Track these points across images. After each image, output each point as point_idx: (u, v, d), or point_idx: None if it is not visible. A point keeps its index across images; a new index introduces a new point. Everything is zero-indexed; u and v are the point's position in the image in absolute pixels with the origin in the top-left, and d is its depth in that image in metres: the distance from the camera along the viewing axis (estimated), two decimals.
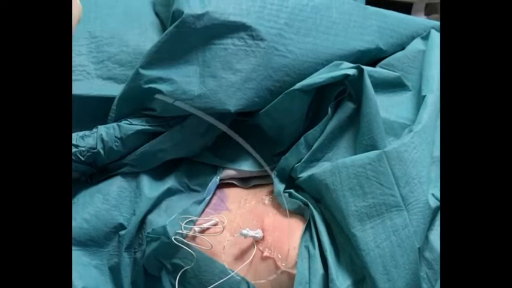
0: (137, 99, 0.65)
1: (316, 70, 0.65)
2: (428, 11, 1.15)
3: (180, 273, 0.60)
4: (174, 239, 0.59)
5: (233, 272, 0.58)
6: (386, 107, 0.63)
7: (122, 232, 0.63)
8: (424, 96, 0.61)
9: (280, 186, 0.63)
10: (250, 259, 0.59)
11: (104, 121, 0.66)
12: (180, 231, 0.60)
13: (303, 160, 0.62)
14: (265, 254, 0.59)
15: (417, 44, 0.70)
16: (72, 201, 0.65)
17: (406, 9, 1.11)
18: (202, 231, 0.62)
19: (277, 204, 0.63)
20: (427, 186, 0.54)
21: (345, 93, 0.62)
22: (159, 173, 0.67)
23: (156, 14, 0.72)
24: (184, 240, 0.60)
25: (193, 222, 0.62)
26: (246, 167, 0.67)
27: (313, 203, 0.60)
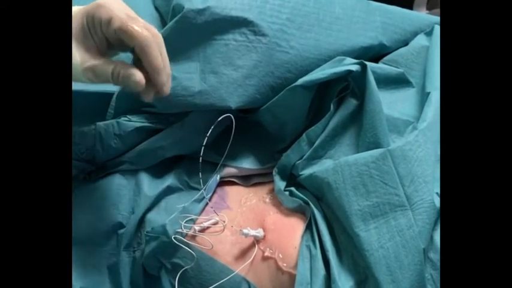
0: (136, 96, 0.64)
1: (318, 66, 0.64)
2: (430, 6, 1.14)
3: (179, 273, 0.59)
4: (174, 238, 0.58)
5: (234, 271, 0.58)
6: (389, 104, 0.62)
7: (121, 231, 0.62)
8: (429, 93, 0.60)
9: (281, 184, 0.62)
10: (251, 259, 0.58)
11: (103, 117, 0.65)
12: (180, 230, 0.59)
13: (304, 157, 0.61)
14: (266, 254, 0.58)
15: (421, 40, 0.70)
16: None
17: (408, 3, 1.10)
18: (203, 230, 0.61)
19: (278, 203, 0.63)
20: (432, 186, 0.53)
21: (348, 89, 0.61)
22: (158, 170, 0.66)
23: (156, 8, 0.71)
24: (184, 240, 0.59)
25: (193, 221, 0.61)
26: (247, 164, 0.66)
27: (315, 202, 0.59)
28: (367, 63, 0.59)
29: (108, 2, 0.48)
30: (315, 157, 0.61)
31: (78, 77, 0.50)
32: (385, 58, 0.69)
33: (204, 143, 0.57)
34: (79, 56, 0.49)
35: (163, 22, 0.70)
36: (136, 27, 0.48)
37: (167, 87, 0.52)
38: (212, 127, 0.57)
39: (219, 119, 0.58)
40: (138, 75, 0.49)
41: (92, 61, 0.49)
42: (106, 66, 0.49)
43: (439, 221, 0.54)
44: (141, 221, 0.63)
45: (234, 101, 0.62)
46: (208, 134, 0.57)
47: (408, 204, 0.52)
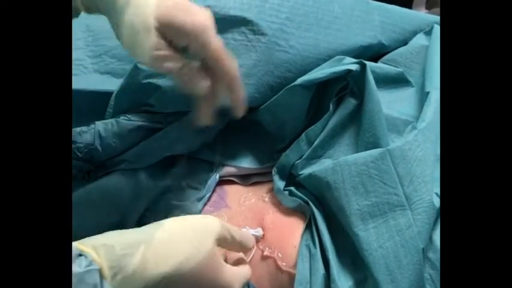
0: (136, 95, 0.64)
1: (317, 65, 0.64)
2: (430, 5, 1.14)
3: None
4: None
5: None
6: (389, 103, 0.62)
7: None
8: (428, 92, 0.60)
9: (280, 184, 0.62)
10: (250, 258, 0.58)
11: (102, 116, 0.65)
12: None
13: (303, 157, 0.61)
14: (265, 253, 0.58)
15: (420, 39, 0.70)
16: None
17: (407, 2, 1.10)
18: None
19: (277, 202, 0.62)
20: (431, 185, 0.53)
21: (347, 89, 0.61)
22: (157, 169, 0.66)
23: None
24: None
25: None
26: (246, 164, 0.66)
27: (314, 201, 0.59)
28: (366, 62, 0.59)
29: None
30: (314, 157, 0.61)
31: (141, 56, 0.49)
32: (384, 57, 0.69)
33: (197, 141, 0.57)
34: (154, 40, 0.48)
35: None
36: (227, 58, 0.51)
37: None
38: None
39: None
40: (207, 81, 0.51)
41: (166, 51, 0.48)
42: (178, 60, 0.49)
43: (438, 221, 0.54)
44: (141, 220, 0.62)
45: None
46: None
47: (407, 204, 0.52)
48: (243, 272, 0.52)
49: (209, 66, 0.52)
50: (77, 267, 0.39)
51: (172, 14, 0.48)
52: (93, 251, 0.42)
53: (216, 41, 0.50)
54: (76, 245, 0.42)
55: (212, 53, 0.50)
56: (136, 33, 0.48)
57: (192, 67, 0.50)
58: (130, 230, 0.48)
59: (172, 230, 0.47)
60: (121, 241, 0.44)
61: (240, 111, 0.55)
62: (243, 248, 0.54)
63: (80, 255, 0.40)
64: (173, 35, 0.49)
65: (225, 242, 0.51)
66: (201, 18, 0.49)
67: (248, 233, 0.57)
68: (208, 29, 0.49)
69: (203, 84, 0.51)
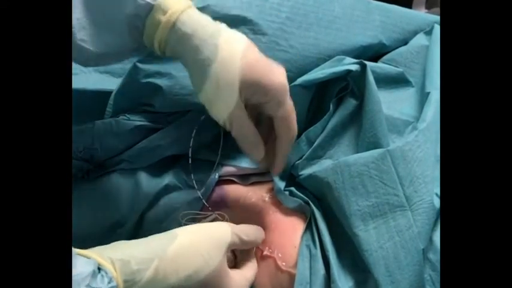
0: (135, 94, 0.64)
1: (318, 65, 0.64)
2: (429, 5, 1.14)
3: None
4: None
5: None
6: (389, 104, 0.62)
7: (120, 230, 0.62)
8: (428, 93, 0.60)
9: (280, 184, 0.62)
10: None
11: (101, 116, 0.65)
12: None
13: (304, 157, 0.61)
14: (265, 253, 0.58)
15: (420, 39, 0.70)
16: None
17: (407, 2, 1.10)
18: None
19: (277, 202, 0.62)
20: (431, 186, 0.53)
21: (347, 89, 0.61)
22: (157, 169, 0.65)
23: None
24: None
25: (192, 219, 0.61)
26: (246, 163, 0.66)
27: (315, 202, 0.59)
28: (366, 62, 0.59)
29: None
30: (315, 157, 0.61)
31: (219, 112, 0.51)
32: (385, 57, 0.69)
33: (190, 144, 0.60)
34: (235, 99, 0.49)
35: None
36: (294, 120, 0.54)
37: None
38: (196, 127, 0.60)
39: (202, 118, 0.60)
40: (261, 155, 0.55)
41: (243, 112, 0.51)
42: (251, 127, 0.52)
43: (438, 221, 0.54)
44: (140, 219, 0.62)
45: None
46: (193, 135, 0.60)
47: (407, 205, 0.52)
48: (246, 276, 0.55)
49: (274, 124, 0.53)
50: (100, 283, 0.41)
51: (258, 74, 0.49)
52: (111, 265, 0.44)
53: (289, 101, 0.53)
54: (95, 257, 0.44)
55: (284, 113, 0.52)
56: (220, 89, 0.49)
57: (259, 136, 0.53)
58: (144, 241, 0.50)
59: (184, 243, 0.49)
60: (136, 255, 0.46)
61: (276, 173, 0.58)
62: (253, 245, 0.57)
63: (99, 268, 0.43)
64: (253, 92, 0.50)
65: (235, 246, 0.54)
66: (281, 78, 0.51)
67: (256, 229, 0.58)
68: (287, 88, 0.52)
69: (261, 152, 0.54)
